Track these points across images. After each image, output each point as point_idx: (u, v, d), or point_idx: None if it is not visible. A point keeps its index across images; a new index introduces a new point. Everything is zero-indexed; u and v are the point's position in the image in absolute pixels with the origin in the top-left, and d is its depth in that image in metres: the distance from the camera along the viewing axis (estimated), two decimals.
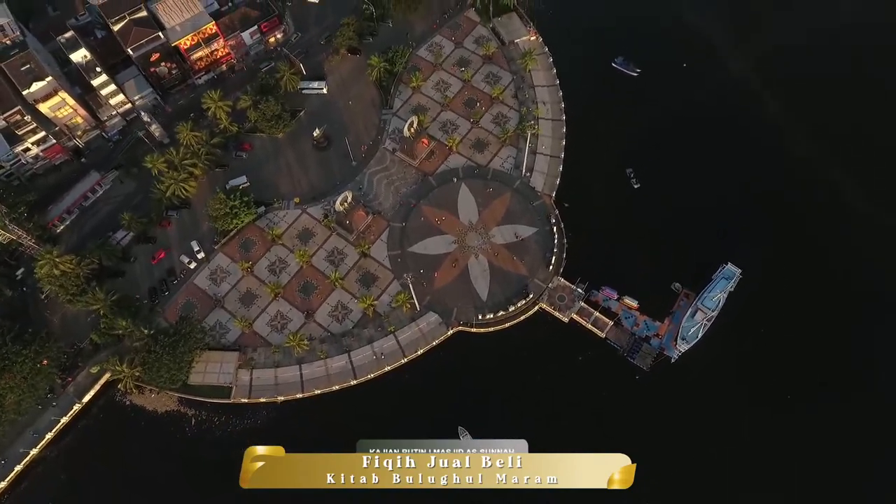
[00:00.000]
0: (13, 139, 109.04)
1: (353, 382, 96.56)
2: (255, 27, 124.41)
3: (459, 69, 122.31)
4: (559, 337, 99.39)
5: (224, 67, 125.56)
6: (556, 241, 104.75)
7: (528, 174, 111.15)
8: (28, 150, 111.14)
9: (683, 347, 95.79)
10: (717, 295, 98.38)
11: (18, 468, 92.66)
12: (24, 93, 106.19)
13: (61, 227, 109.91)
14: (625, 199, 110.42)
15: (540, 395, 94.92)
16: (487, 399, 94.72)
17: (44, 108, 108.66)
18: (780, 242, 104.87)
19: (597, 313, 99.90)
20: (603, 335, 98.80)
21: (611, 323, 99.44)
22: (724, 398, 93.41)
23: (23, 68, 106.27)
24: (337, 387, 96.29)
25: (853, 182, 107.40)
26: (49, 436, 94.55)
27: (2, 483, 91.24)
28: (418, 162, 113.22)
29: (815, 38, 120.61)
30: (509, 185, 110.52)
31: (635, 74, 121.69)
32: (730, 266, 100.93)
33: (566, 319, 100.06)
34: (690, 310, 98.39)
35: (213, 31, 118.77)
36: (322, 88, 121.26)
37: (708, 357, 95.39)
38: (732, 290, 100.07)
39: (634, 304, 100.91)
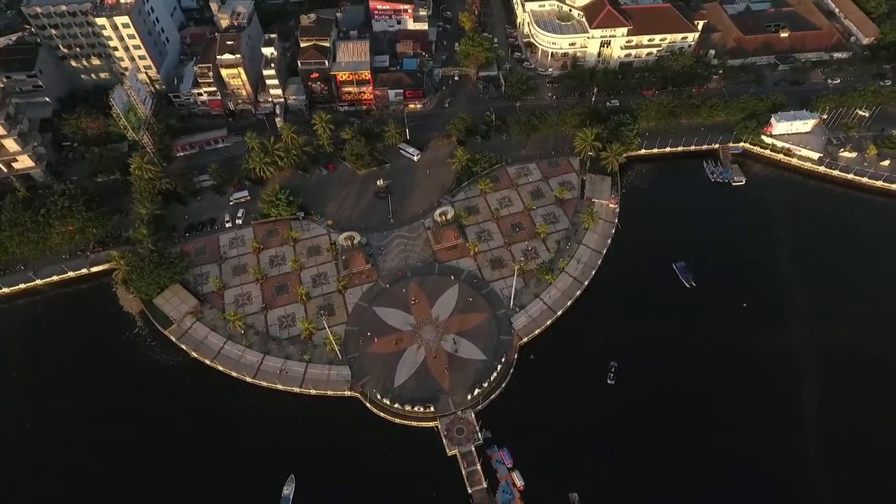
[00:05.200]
0: (195, 83, 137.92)
1: (248, 379, 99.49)
2: (402, 91, 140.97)
3: (530, 197, 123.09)
4: (431, 463, 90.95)
5: (364, 107, 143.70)
6: (492, 378, 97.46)
7: (517, 310, 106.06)
8: (200, 94, 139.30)
9: None
10: None
11: (23, 286, 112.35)
12: (217, 57, 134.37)
13: (180, 154, 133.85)
14: (591, 386, 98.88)
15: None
16: (319, 473, 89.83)
17: (224, 73, 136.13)
18: None
19: (479, 467, 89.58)
20: (469, 491, 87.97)
21: (484, 485, 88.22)
22: None
23: (227, 42, 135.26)
24: (235, 374, 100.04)
25: None
26: (55, 277, 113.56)
27: (4, 289, 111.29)
28: (438, 248, 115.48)
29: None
30: (493, 309, 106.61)
31: (688, 286, 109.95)
32: None
33: (449, 452, 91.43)
34: None
35: (367, 78, 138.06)
36: (414, 156, 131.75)
37: None
38: None
39: (521, 483, 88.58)
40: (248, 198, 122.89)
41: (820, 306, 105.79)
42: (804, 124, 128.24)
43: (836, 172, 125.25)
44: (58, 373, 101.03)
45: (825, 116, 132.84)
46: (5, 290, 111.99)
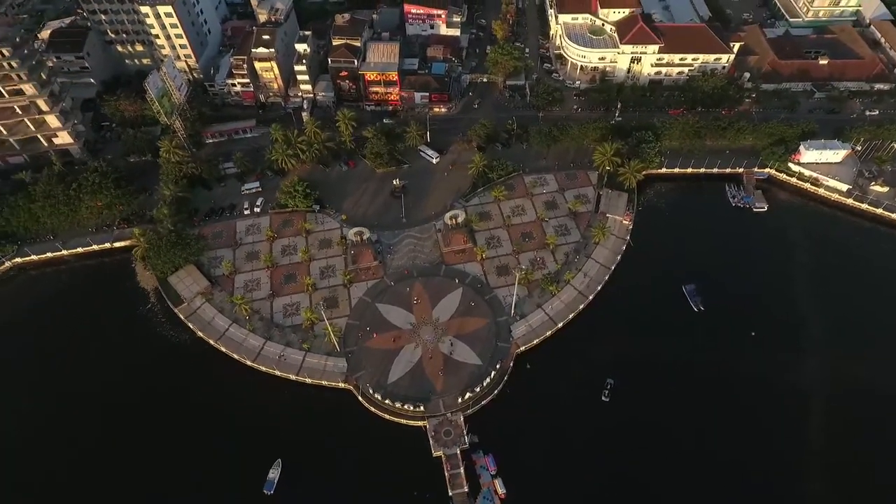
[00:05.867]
0: (230, 75, 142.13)
1: (248, 362, 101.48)
2: (427, 94, 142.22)
3: (544, 207, 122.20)
4: (415, 462, 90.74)
5: (390, 108, 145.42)
6: (485, 384, 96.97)
7: (517, 318, 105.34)
8: (234, 85, 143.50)
9: None
10: None
11: (50, 255, 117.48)
12: (252, 50, 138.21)
13: (209, 140, 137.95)
14: (585, 401, 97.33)
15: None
16: (305, 460, 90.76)
17: (257, 65, 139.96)
18: None
19: (462, 470, 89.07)
20: (450, 493, 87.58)
21: (465, 489, 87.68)
22: None
23: (263, 37, 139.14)
24: (236, 356, 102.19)
25: None
26: (80, 249, 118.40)
27: (33, 257, 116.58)
28: (446, 250, 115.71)
29: None
30: (494, 315, 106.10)
31: (696, 310, 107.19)
32: None
33: (435, 453, 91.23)
34: None
35: (394, 79, 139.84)
36: (433, 159, 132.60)
37: None
38: None
39: (502, 491, 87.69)
40: (260, 189, 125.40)
41: (831, 341, 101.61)
42: (835, 154, 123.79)
43: (864, 206, 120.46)
44: (70, 339, 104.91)
45: (859, 148, 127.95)
46: (34, 257, 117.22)
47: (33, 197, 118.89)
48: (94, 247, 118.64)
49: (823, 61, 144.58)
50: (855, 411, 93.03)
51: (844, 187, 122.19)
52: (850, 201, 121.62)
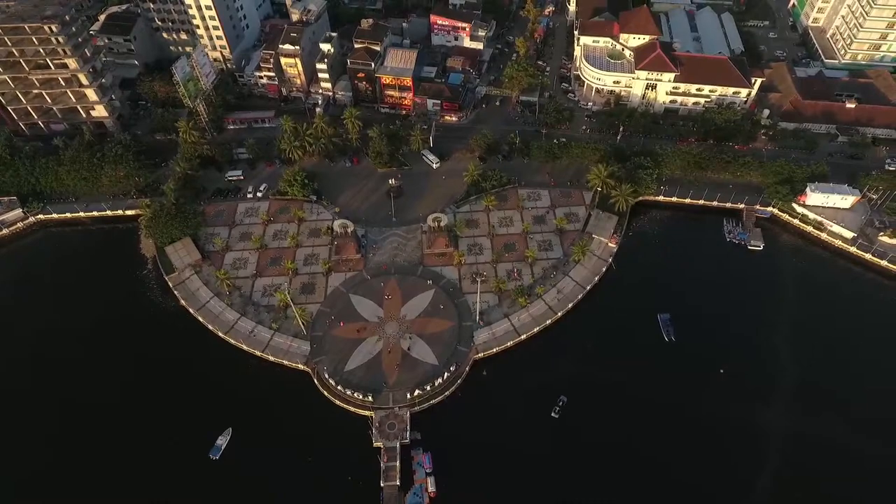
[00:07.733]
0: (258, 68, 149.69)
1: (220, 334, 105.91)
2: (440, 102, 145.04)
3: (532, 221, 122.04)
4: (355, 450, 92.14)
5: (403, 112, 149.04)
6: (437, 384, 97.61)
7: (481, 324, 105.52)
8: (261, 78, 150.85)
9: None
10: None
11: (69, 215, 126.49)
12: (279, 46, 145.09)
13: (231, 126, 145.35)
14: (533, 415, 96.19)
15: (288, 470, 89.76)
16: (253, 432, 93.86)
17: (282, 60, 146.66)
18: None
19: (398, 464, 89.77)
20: (382, 484, 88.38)
21: (397, 484, 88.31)
22: None
23: (291, 34, 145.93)
24: (211, 327, 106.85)
25: None
26: (95, 213, 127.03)
27: (54, 215, 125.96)
28: (428, 252, 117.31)
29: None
30: (460, 319, 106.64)
31: (667, 340, 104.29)
32: None
33: (375, 444, 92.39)
34: None
35: (408, 84, 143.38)
36: (433, 164, 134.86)
37: None
38: None
39: (433, 490, 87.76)
40: (242, 177, 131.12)
41: (802, 390, 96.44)
42: (842, 199, 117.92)
43: (868, 256, 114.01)
44: (70, 289, 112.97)
45: (875, 196, 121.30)
46: (55, 215, 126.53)
47: (61, 161, 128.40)
48: (108, 212, 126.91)
49: (850, 105, 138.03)
50: (808, 464, 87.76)
51: (849, 234, 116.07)
52: (853, 249, 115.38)
